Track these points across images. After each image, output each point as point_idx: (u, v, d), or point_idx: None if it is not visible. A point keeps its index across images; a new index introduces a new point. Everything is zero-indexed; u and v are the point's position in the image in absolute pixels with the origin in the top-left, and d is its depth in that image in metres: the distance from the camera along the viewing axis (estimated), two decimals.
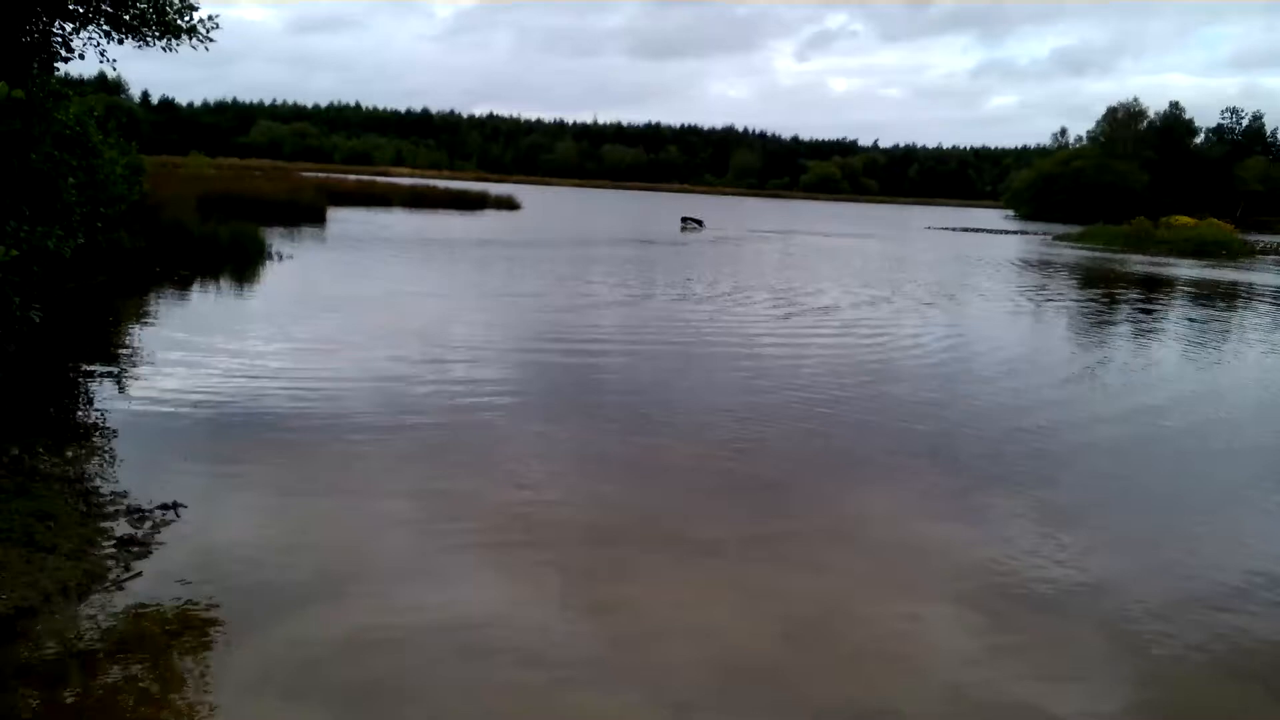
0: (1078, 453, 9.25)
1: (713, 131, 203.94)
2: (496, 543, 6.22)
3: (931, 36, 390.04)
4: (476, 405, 9.73)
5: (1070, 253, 45.08)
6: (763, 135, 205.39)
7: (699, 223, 48.39)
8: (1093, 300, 24.15)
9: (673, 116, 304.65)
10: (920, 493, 7.85)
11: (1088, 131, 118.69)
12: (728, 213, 73.46)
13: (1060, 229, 67.19)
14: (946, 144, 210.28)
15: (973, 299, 22.48)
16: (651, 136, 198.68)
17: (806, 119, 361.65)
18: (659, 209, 73.57)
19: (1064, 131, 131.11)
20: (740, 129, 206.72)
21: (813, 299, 20.35)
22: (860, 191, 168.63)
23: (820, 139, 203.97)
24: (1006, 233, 67.20)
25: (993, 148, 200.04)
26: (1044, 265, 36.03)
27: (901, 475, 8.29)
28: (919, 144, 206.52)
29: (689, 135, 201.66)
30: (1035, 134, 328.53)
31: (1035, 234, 65.16)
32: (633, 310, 17.53)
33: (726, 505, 7.29)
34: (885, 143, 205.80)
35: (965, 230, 66.89)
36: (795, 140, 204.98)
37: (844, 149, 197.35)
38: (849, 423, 9.88)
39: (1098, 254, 44.58)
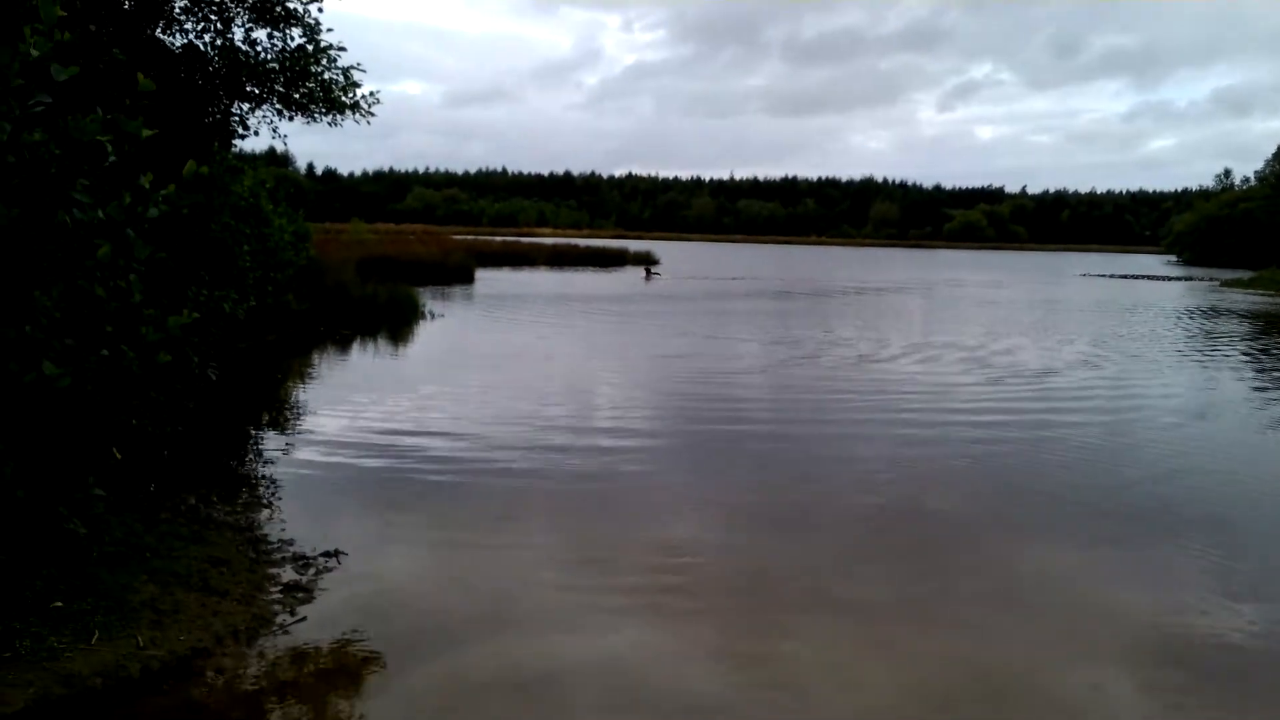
0: (1275, 515, 8.53)
1: (850, 183, 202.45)
2: (644, 593, 6.17)
3: (1082, 82, 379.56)
4: (626, 458, 9.78)
5: (1243, 299, 42.12)
6: (903, 185, 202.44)
7: (655, 265, 50.53)
8: None
9: (810, 170, 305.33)
10: (1106, 553, 7.37)
11: (1255, 171, 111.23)
12: (867, 266, 72.26)
13: (1227, 274, 63.03)
14: (1100, 189, 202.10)
15: (1169, 353, 20.49)
16: (788, 190, 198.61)
17: (949, 168, 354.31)
18: (797, 261, 73.16)
19: (1228, 173, 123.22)
20: (879, 179, 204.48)
21: (1007, 357, 18.59)
22: (1008, 238, 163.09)
23: (964, 187, 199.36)
24: (1169, 279, 63.45)
25: (1150, 191, 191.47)
26: (1216, 313, 33.73)
27: (1087, 535, 7.82)
28: (1071, 189, 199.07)
29: (826, 188, 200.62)
30: (1196, 176, 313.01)
31: (1201, 279, 61.26)
32: (798, 372, 16.39)
33: (888, 564, 7.02)
34: (1034, 189, 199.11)
35: (1124, 277, 63.57)
36: (937, 189, 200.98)
37: (990, 196, 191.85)
38: (1055, 487, 9.42)
39: (1274, 300, 41.51)
